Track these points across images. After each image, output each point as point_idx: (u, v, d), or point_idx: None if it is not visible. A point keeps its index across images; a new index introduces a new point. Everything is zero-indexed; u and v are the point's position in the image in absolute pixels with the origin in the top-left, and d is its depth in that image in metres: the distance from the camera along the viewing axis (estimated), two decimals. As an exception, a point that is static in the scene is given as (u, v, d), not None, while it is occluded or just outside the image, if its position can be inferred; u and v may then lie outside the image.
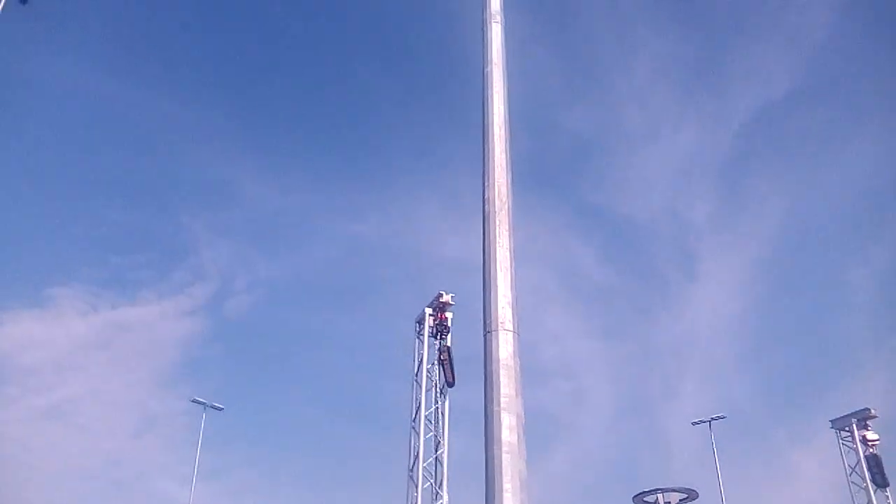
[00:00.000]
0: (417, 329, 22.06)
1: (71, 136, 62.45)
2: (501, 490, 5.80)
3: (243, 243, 64.57)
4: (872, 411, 24.57)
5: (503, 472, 5.85)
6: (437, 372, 21.12)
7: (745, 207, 62.98)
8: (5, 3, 15.79)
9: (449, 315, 21.53)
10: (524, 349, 6.39)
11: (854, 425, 24.55)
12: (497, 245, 6.84)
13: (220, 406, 35.16)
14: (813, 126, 60.18)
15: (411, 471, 20.06)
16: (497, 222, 7.04)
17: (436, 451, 20.27)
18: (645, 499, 23.95)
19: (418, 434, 20.40)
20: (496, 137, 7.74)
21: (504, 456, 5.91)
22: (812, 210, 60.65)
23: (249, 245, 65.97)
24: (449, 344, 21.15)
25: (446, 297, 21.48)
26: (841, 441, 25.10)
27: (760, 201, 62.35)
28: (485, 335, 6.48)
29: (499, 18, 8.74)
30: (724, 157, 64.23)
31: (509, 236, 6.89)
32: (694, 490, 23.93)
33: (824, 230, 59.82)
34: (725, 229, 63.45)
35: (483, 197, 7.34)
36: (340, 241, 67.17)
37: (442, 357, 20.95)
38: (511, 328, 6.38)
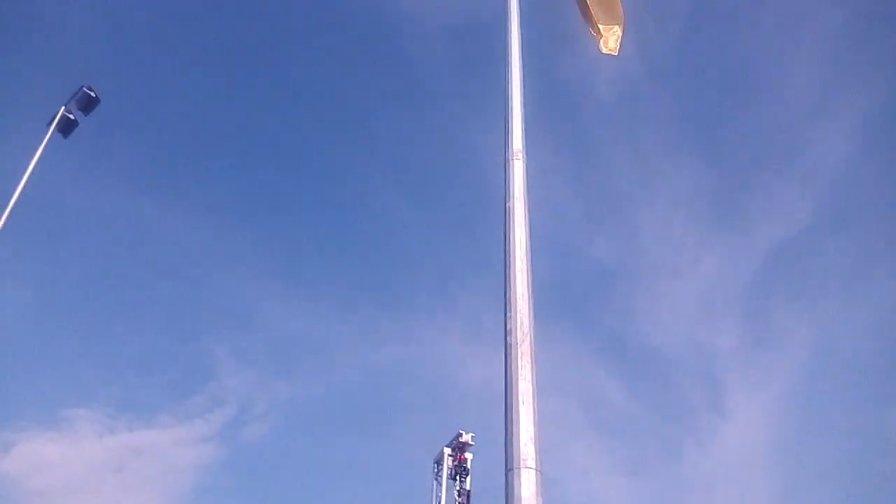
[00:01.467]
0: (436, 470, 21.27)
1: (98, 260, 63.85)
2: None
3: (264, 368, 64.07)
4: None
5: None
6: (456, 517, 20.16)
7: (772, 340, 61.91)
8: (49, 139, 16.59)
9: (469, 456, 20.84)
10: (548, 487, 6.00)
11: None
12: (519, 377, 6.60)
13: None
14: (836, 259, 60.06)
15: None
16: (519, 354, 6.83)
17: None
18: None
19: (434, 586, 19.20)
20: (518, 269, 7.66)
21: None
22: (841, 344, 59.28)
23: (270, 370, 65.42)
24: (469, 487, 20.31)
25: (466, 437, 20.85)
26: None
27: (787, 334, 61.30)
28: (506, 473, 6.12)
29: (521, 156, 8.91)
30: (748, 289, 63.78)
31: (532, 368, 6.66)
32: None
33: (856, 366, 58.18)
34: (753, 362, 62.07)
35: (505, 328, 7.18)
36: (361, 367, 66.40)
37: (461, 502, 20.07)
38: (534, 465, 6.03)
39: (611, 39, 10.01)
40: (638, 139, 63.05)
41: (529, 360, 6.79)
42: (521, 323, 7.03)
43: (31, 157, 16.08)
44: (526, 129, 9.17)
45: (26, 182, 15.78)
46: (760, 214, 61.58)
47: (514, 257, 7.70)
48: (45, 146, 16.28)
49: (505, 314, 7.26)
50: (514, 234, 7.92)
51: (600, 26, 9.98)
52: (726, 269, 62.79)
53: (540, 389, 6.58)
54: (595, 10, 10.00)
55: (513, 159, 8.81)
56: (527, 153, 9.02)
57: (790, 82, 60.64)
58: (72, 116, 17.16)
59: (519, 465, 6.04)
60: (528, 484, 5.91)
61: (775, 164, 62.36)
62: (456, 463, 20.79)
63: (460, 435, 21.02)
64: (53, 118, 16.91)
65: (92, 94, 17.34)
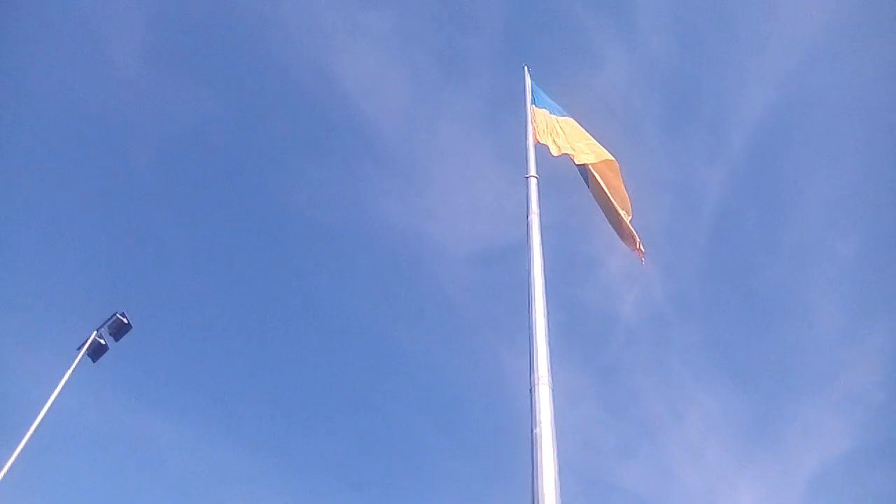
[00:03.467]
0: None
1: (114, 482, 61.80)
2: None
3: None
4: None
5: None
6: None
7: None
8: (78, 362, 16.76)
9: None
10: None
11: None
12: None
13: None
14: (883, 487, 56.46)
15: None
16: None
17: None
18: None
19: None
20: (547, 502, 7.22)
21: None
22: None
23: None
24: None
25: None
26: None
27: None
28: None
29: (546, 381, 8.76)
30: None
31: None
32: None
33: None
34: None
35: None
36: None
37: None
38: None
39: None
40: (666, 365, 62.69)
41: None
42: (553, 561, 6.47)
43: (58, 379, 16.16)
44: (551, 354, 9.09)
45: (53, 403, 15.74)
46: (797, 440, 59.28)
47: (543, 488, 7.28)
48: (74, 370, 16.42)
49: (535, 551, 6.72)
50: (541, 463, 7.56)
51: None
52: (766, 498, 59.37)
53: None
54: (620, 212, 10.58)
55: (538, 384, 8.63)
56: (553, 378, 8.86)
57: (814, 308, 61.31)
58: (102, 341, 17.41)
59: None
60: None
61: (808, 388, 61.11)
62: None
63: None
64: (84, 342, 17.15)
65: (125, 320, 17.70)
